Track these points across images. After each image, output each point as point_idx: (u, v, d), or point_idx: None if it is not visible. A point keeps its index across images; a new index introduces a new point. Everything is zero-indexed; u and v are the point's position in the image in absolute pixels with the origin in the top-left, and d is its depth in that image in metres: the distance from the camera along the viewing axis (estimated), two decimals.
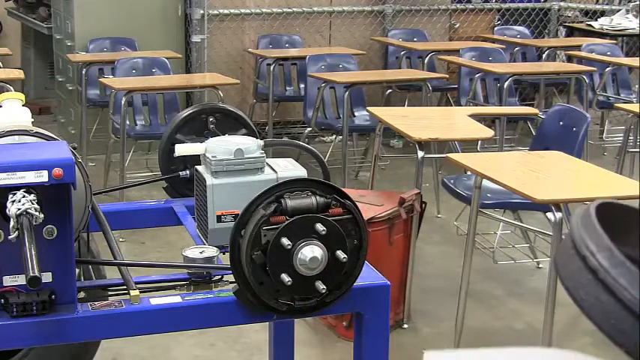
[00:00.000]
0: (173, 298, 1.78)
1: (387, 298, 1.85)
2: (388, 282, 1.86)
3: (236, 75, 6.24)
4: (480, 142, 5.91)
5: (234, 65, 6.69)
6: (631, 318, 0.78)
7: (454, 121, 4.27)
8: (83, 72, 5.75)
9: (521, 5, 7.64)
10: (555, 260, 0.85)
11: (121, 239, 4.44)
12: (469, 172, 3.79)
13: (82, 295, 1.85)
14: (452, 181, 3.97)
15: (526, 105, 6.55)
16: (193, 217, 2.21)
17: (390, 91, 6.49)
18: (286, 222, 1.68)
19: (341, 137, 5.41)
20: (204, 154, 2.08)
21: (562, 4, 7.84)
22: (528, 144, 4.50)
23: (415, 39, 7.04)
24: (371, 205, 3.49)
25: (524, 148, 4.93)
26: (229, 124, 2.41)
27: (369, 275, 1.85)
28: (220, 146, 2.05)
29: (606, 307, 0.79)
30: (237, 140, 2.10)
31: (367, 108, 4.98)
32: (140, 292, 1.76)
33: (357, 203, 1.76)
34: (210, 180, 2.01)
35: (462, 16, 7.46)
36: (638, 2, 7.35)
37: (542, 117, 4.29)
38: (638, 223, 0.90)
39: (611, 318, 0.79)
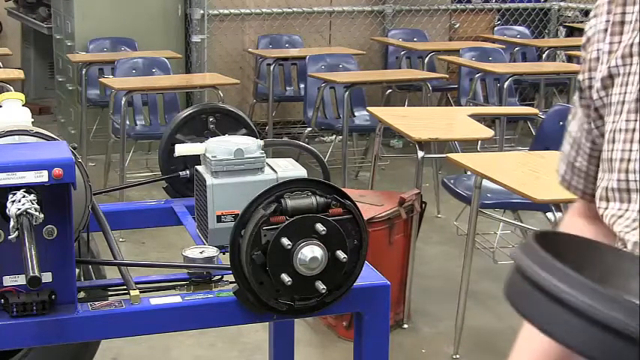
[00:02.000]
0: (173, 298, 1.77)
1: (387, 298, 1.85)
2: (388, 282, 1.86)
3: (236, 75, 6.24)
4: (479, 142, 5.90)
5: (234, 65, 6.70)
6: (558, 307, 0.79)
7: (454, 121, 4.27)
8: (83, 72, 5.75)
9: (521, 5, 7.64)
10: (505, 288, 0.87)
11: (121, 239, 4.44)
12: (469, 172, 3.79)
13: (82, 295, 1.85)
14: (452, 181, 3.97)
15: (526, 105, 6.55)
16: (193, 217, 2.20)
17: (390, 91, 6.49)
18: (286, 222, 1.68)
19: (341, 137, 5.42)
20: (204, 154, 2.08)
21: (562, 4, 7.84)
22: (528, 144, 4.50)
23: (415, 39, 7.04)
24: (371, 205, 3.49)
25: (524, 148, 4.93)
26: (229, 124, 2.41)
27: (369, 275, 1.85)
28: (220, 146, 2.05)
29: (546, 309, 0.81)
30: (237, 140, 2.10)
31: (367, 108, 4.98)
32: (140, 292, 1.76)
33: (357, 203, 1.75)
34: (210, 180, 2.01)
35: (462, 16, 7.46)
36: None
37: (542, 117, 4.29)
38: (577, 249, 0.92)
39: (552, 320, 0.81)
